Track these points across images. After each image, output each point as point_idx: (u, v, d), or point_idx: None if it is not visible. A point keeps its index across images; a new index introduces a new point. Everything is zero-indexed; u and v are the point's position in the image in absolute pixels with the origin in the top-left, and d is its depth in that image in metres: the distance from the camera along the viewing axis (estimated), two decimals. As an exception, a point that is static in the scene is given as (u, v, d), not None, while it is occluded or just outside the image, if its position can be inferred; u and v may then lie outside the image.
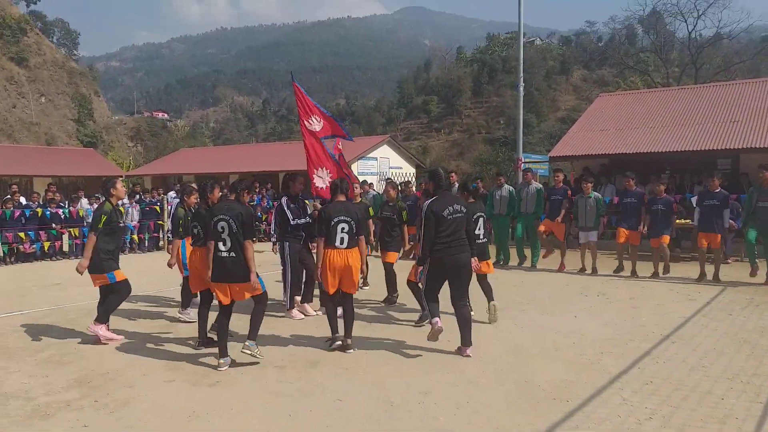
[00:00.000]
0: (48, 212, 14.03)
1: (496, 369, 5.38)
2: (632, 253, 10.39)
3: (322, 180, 7.96)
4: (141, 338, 6.62)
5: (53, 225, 14.08)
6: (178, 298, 8.13)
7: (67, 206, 14.81)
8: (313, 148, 8.00)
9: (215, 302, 5.80)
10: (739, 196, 11.42)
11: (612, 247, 11.63)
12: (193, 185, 7.69)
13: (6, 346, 6.41)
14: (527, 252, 11.80)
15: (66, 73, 64.61)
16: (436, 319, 5.77)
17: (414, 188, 14.48)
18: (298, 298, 7.69)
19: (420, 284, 6.74)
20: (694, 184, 15.04)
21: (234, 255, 5.40)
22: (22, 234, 13.46)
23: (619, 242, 10.42)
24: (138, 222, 15.50)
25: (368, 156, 27.02)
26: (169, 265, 7.13)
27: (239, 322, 6.59)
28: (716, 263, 9.79)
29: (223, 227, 5.39)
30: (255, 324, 5.59)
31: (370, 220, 9.00)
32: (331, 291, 5.98)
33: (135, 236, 15.48)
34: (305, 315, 7.59)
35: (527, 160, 19.80)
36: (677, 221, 10.38)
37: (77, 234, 14.37)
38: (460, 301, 5.85)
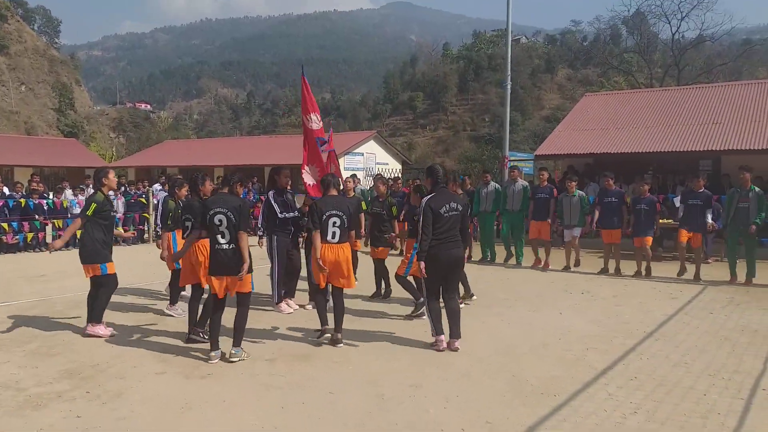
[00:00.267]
0: (32, 203, 13.88)
1: (484, 364, 5.47)
2: (615, 252, 10.56)
3: (310, 177, 8.00)
4: (129, 331, 6.62)
5: (36, 216, 13.94)
6: (165, 290, 8.14)
7: (50, 197, 14.66)
8: (308, 145, 8.03)
9: (205, 297, 5.82)
10: (720, 197, 11.64)
11: (596, 245, 11.80)
12: (178, 177, 7.69)
13: (-7, 337, 6.37)
14: (513, 250, 11.91)
15: (47, 62, 63.74)
16: (441, 337, 5.90)
17: (401, 184, 14.57)
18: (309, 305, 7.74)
19: (414, 273, 6.82)
20: (676, 184, 15.28)
21: (233, 247, 5.43)
22: (4, 225, 13.32)
23: (605, 242, 10.63)
24: (123, 214, 15.38)
25: (355, 151, 27.03)
26: (163, 258, 7.12)
27: (227, 315, 6.61)
28: (697, 263, 9.99)
29: (220, 220, 5.40)
30: (239, 329, 5.58)
31: (362, 215, 9.06)
32: (323, 285, 6.04)
33: (120, 228, 15.35)
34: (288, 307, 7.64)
35: (513, 158, 19.94)
36: (660, 221, 10.56)
37: (61, 225, 14.24)
38: (450, 294, 5.97)
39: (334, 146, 8.35)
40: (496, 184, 12.06)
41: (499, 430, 4.05)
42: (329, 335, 6.08)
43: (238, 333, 5.57)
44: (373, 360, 5.61)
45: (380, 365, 5.45)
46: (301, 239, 7.94)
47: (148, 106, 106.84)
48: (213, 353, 5.50)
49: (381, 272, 8.38)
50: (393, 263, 8.14)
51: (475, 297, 8.18)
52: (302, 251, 7.89)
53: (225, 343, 5.64)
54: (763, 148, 13.96)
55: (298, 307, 7.72)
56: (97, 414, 4.30)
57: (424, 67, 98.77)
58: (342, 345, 6.00)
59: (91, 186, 16.06)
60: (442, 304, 6.02)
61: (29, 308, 7.76)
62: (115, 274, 6.46)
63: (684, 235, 9.93)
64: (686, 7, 41.31)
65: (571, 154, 16.87)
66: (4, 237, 13.41)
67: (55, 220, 14.23)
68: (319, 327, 6.23)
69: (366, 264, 9.01)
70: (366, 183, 21.51)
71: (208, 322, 5.77)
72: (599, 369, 5.30)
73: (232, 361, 5.45)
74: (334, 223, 5.95)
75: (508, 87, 17.58)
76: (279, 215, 7.41)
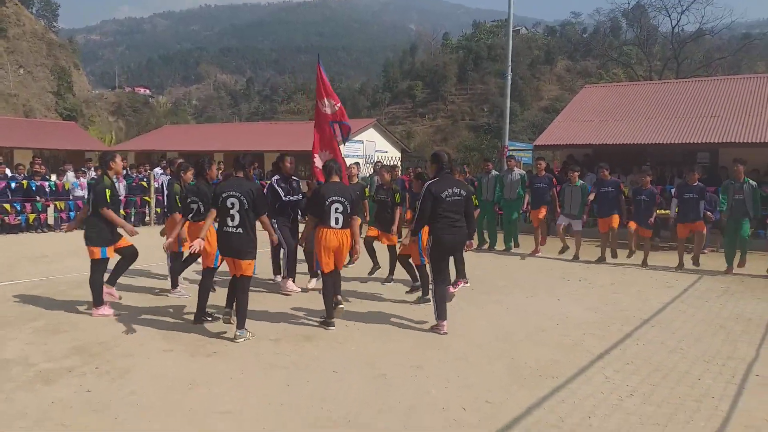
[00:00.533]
0: (34, 184, 13.93)
1: (484, 348, 5.58)
2: (613, 237, 10.67)
3: (321, 162, 8.09)
4: (134, 311, 6.71)
5: (38, 198, 13.99)
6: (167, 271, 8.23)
7: (52, 179, 14.71)
8: (322, 130, 8.11)
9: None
10: (717, 189, 11.74)
11: (593, 235, 11.92)
12: (181, 160, 7.76)
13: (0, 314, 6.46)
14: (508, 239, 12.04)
15: (45, 45, 63.31)
16: (444, 323, 6.01)
17: (400, 172, 14.64)
18: (278, 277, 7.86)
19: (426, 262, 6.89)
20: (674, 176, 15.38)
21: (241, 231, 5.52)
22: (7, 205, 13.37)
23: (601, 232, 10.75)
24: (124, 197, 15.42)
25: (355, 139, 27.05)
26: (176, 238, 7.16)
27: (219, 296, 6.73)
28: (696, 248, 10.06)
29: (233, 203, 5.50)
30: (241, 312, 5.68)
31: (366, 201, 9.17)
32: (326, 270, 6.12)
33: (122, 212, 15.42)
34: (290, 291, 7.74)
35: (512, 148, 20.00)
36: (657, 211, 10.67)
37: (62, 207, 14.31)
38: (441, 276, 6.11)
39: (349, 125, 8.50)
40: (497, 173, 12.17)
41: (499, 410, 4.16)
42: (333, 328, 6.13)
43: (241, 315, 5.67)
44: (375, 341, 5.72)
45: (382, 346, 5.57)
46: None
47: (147, 91, 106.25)
48: (227, 309, 5.89)
49: (391, 259, 8.49)
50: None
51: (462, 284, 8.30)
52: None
53: (229, 325, 5.75)
54: (760, 141, 14.08)
55: (299, 289, 7.82)
56: (107, 389, 4.41)
57: (423, 56, 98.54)
58: (342, 306, 6.26)
59: (92, 169, 16.12)
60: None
61: (33, 287, 7.85)
62: (108, 259, 6.51)
63: (682, 231, 10.03)
64: (686, 1, 41.31)
65: (570, 145, 16.96)
66: (6, 218, 13.46)
67: (57, 202, 14.28)
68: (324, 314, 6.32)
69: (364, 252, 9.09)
70: (365, 170, 21.56)
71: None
72: (596, 354, 5.42)
73: (238, 342, 5.56)
74: (337, 209, 6.03)
75: (509, 77, 17.62)
76: (283, 198, 7.52)
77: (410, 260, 7.50)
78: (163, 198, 8.94)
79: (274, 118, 78.52)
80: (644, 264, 10.34)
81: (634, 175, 14.22)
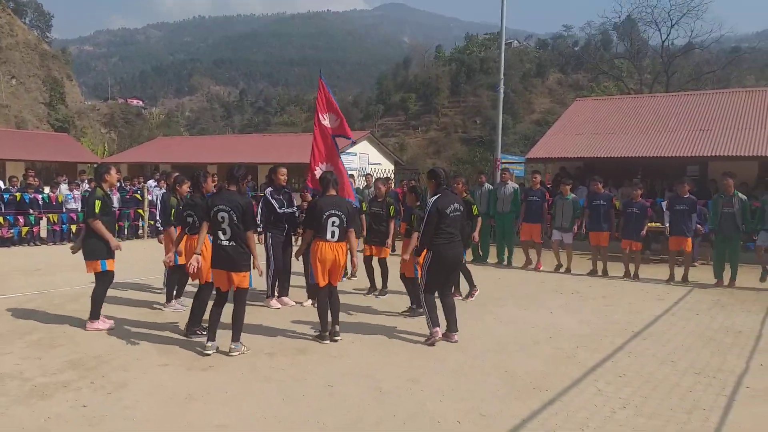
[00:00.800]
0: (27, 197, 13.91)
1: (478, 360, 5.63)
2: (603, 254, 10.78)
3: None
4: (129, 324, 6.72)
5: (31, 210, 13.97)
6: (161, 285, 8.27)
7: (45, 192, 14.69)
8: (323, 142, 8.16)
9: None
10: (707, 202, 11.88)
11: (585, 247, 12.01)
12: (176, 173, 7.80)
13: (-6, 328, 6.46)
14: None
15: (38, 56, 63.23)
16: (437, 329, 6.08)
17: (393, 185, 14.73)
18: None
19: (419, 280, 6.92)
20: (664, 189, 15.53)
21: (234, 244, 5.55)
22: (0, 218, 13.34)
23: (592, 245, 10.84)
24: (118, 210, 15.40)
25: (348, 151, 27.12)
26: (168, 251, 7.18)
27: (226, 309, 6.75)
28: (686, 265, 10.21)
29: (223, 217, 5.53)
30: (237, 325, 5.69)
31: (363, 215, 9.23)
32: (322, 283, 6.15)
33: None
34: (283, 306, 7.77)
35: (504, 160, 20.15)
36: (648, 224, 10.79)
37: (55, 220, 14.29)
38: (448, 290, 6.18)
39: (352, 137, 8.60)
40: (490, 186, 12.25)
41: (493, 423, 4.21)
42: (328, 341, 6.15)
43: (237, 328, 5.68)
44: (370, 354, 5.76)
45: (377, 360, 5.61)
46: (295, 238, 8.09)
47: (140, 102, 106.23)
48: (209, 344, 5.62)
49: (383, 272, 8.54)
50: (393, 263, 8.34)
51: (477, 291, 8.46)
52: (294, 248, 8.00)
53: (223, 338, 5.75)
54: (749, 155, 14.25)
55: (294, 303, 7.85)
56: (102, 403, 4.42)
57: (416, 68, 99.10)
58: (340, 337, 6.15)
59: (86, 181, 16.11)
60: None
61: (27, 301, 7.84)
62: (112, 271, 6.56)
63: (674, 245, 10.15)
64: (676, 15, 41.80)
65: (562, 158, 17.10)
66: (-1, 231, 13.44)
67: (49, 215, 14.26)
68: (319, 328, 6.33)
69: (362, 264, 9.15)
70: (359, 182, 21.62)
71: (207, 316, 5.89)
72: (589, 366, 5.48)
73: (233, 356, 5.58)
74: (334, 222, 6.07)
75: (501, 90, 17.75)
76: (278, 211, 7.55)
77: (405, 273, 7.52)
78: (157, 211, 8.97)
79: (268, 129, 78.63)
80: (635, 277, 10.44)
81: (625, 188, 14.36)
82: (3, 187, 14.34)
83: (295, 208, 7.80)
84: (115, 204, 15.31)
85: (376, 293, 8.60)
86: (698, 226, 10.23)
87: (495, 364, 5.53)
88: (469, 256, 11.90)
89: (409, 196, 7.79)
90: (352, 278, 9.70)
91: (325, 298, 6.22)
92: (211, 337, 5.66)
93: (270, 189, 7.76)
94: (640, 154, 15.73)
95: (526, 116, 76.20)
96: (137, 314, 7.25)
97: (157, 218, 8.38)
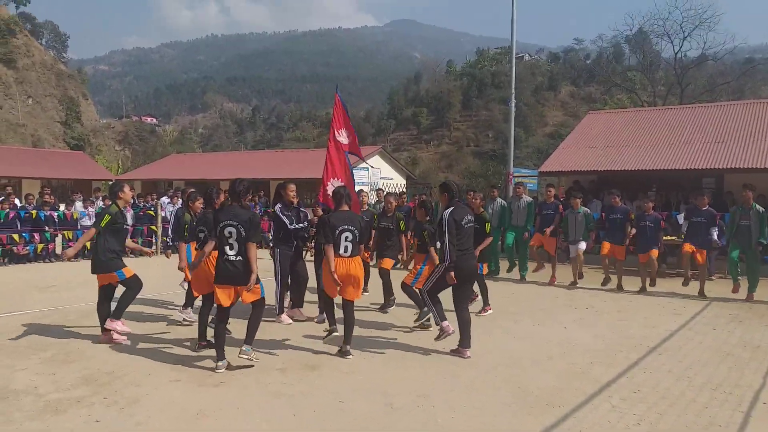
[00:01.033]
0: (43, 214, 14.07)
1: (491, 375, 5.59)
2: (618, 268, 10.68)
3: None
4: (142, 340, 6.75)
5: (47, 227, 14.12)
6: (175, 300, 8.34)
7: (61, 209, 14.87)
8: (336, 158, 8.19)
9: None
10: (724, 215, 11.76)
11: (599, 261, 11.91)
12: (192, 190, 7.88)
13: (9, 344, 6.51)
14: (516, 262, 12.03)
15: (54, 75, 64.41)
16: (447, 323, 6.13)
17: (406, 199, 14.73)
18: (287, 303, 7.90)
19: (420, 285, 6.88)
20: (680, 202, 15.41)
21: (241, 259, 5.56)
22: (15, 236, 13.50)
23: (602, 254, 10.74)
24: (131, 226, 15.53)
25: (360, 166, 27.22)
26: (181, 269, 7.24)
27: (236, 326, 6.78)
28: (701, 279, 10.10)
29: (231, 232, 5.54)
30: (252, 329, 5.75)
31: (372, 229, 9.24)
32: (332, 295, 6.20)
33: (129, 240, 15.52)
34: (295, 320, 7.76)
35: (517, 174, 20.13)
36: (663, 237, 10.70)
37: (71, 237, 14.43)
38: (464, 304, 6.16)
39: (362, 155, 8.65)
40: (503, 201, 12.22)
41: (506, 439, 4.17)
42: (336, 333, 6.20)
43: (251, 332, 5.75)
44: (381, 370, 5.73)
45: (388, 375, 5.58)
46: (305, 251, 8.10)
47: (154, 120, 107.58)
48: (219, 362, 5.62)
49: (384, 283, 8.52)
50: (396, 275, 8.31)
51: (491, 310, 8.40)
52: (312, 263, 8.02)
53: (230, 354, 5.75)
54: (765, 167, 14.10)
55: (306, 318, 7.84)
56: (115, 419, 4.43)
57: (428, 83, 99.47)
58: (351, 357, 6.12)
59: (100, 198, 16.28)
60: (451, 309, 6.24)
61: (42, 317, 7.90)
62: (135, 275, 6.64)
63: (688, 248, 10.05)
64: (688, 27, 41.76)
65: (575, 171, 17.05)
66: (15, 248, 13.59)
67: (65, 232, 14.41)
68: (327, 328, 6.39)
69: (377, 277, 9.14)
70: (371, 197, 21.67)
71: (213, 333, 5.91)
72: (603, 381, 5.41)
73: (241, 358, 5.62)
74: (347, 237, 6.07)
75: (513, 104, 17.78)
76: (289, 227, 7.56)
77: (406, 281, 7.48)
78: (170, 226, 9.05)
79: (280, 146, 79.21)
80: (646, 288, 10.33)
81: (639, 201, 14.25)
82: (19, 204, 14.51)
83: (305, 224, 7.80)
84: (129, 221, 15.46)
85: (382, 308, 8.56)
86: (715, 239, 10.12)
87: (507, 379, 5.48)
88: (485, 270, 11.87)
89: (419, 211, 7.79)
90: (364, 293, 9.66)
91: (331, 300, 6.30)
92: (221, 356, 5.66)
93: (279, 205, 7.77)
94: (654, 166, 15.64)
95: (538, 129, 76.10)
96: (149, 329, 7.28)
97: (169, 233, 8.45)
